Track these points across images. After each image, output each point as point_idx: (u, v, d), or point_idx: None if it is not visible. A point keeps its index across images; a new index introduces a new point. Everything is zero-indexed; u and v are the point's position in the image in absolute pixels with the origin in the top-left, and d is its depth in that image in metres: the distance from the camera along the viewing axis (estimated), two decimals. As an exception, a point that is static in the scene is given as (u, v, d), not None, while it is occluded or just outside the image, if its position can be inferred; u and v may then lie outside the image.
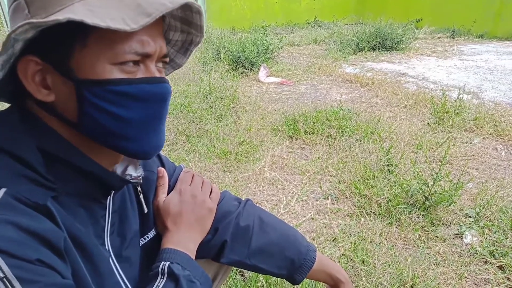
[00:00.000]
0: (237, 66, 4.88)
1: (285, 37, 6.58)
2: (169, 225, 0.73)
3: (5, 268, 0.39)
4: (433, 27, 7.87)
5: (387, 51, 6.04)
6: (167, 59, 0.59)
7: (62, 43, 0.49)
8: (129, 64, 0.51)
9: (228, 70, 4.71)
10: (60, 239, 0.48)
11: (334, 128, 2.83)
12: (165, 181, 0.79)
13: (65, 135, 0.53)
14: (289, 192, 2.20)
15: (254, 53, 5.00)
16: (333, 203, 2.08)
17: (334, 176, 2.33)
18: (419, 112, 3.31)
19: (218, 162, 2.48)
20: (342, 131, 2.82)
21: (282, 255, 0.85)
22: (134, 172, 0.66)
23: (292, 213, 2.00)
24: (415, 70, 4.89)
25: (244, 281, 1.41)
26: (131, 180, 0.64)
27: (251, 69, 4.94)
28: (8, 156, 0.48)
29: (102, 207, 0.61)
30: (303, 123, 2.96)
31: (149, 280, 0.64)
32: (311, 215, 1.98)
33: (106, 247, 0.61)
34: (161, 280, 0.63)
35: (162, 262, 0.65)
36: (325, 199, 2.12)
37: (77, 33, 0.48)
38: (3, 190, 0.44)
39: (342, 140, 2.72)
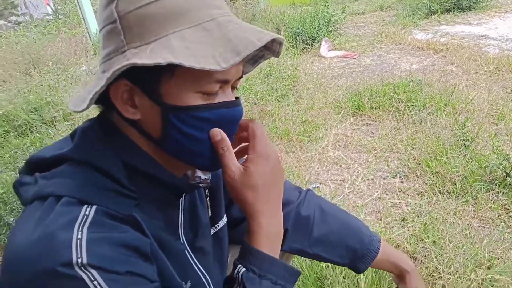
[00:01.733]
0: (298, 42, 4.79)
1: (348, 6, 6.27)
2: (259, 206, 0.60)
3: (102, 282, 0.46)
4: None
5: (464, 11, 5.46)
6: (241, 80, 0.62)
7: (151, 72, 0.52)
8: (210, 91, 0.54)
9: (288, 48, 4.66)
10: (147, 245, 0.54)
11: (403, 102, 2.69)
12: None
13: (143, 147, 0.59)
14: (354, 171, 2.16)
15: (315, 27, 4.86)
16: (402, 182, 2.00)
17: (403, 153, 2.23)
18: (501, 79, 2.99)
19: (280, 143, 2.51)
20: (412, 105, 2.66)
21: (344, 244, 0.86)
22: (203, 175, 0.70)
23: (358, 193, 1.97)
24: (497, 31, 4.38)
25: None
26: (200, 185, 0.68)
27: (312, 44, 4.82)
28: (95, 171, 0.54)
29: (176, 208, 0.66)
30: (368, 98, 2.85)
31: (229, 281, 0.62)
32: (378, 194, 1.94)
33: (181, 241, 0.67)
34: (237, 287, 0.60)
35: (239, 266, 0.60)
36: (393, 177, 2.05)
37: (166, 66, 0.50)
38: (94, 207, 0.51)
39: (411, 114, 2.57)
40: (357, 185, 2.03)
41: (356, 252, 0.86)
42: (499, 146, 1.80)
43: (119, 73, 0.50)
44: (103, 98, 0.56)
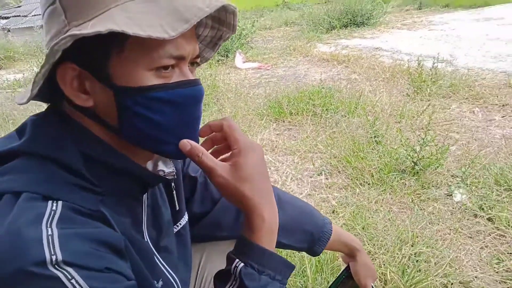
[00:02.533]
0: (213, 54, 4.86)
1: (257, 21, 6.56)
2: (258, 198, 0.57)
3: (80, 280, 0.41)
4: (400, 0, 8.01)
5: (359, 27, 6.13)
6: (199, 59, 0.58)
7: (98, 49, 0.48)
8: (164, 69, 0.51)
9: (204, 59, 4.68)
10: (120, 241, 0.49)
11: (318, 107, 2.89)
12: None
13: (102, 137, 0.54)
14: (283, 173, 2.25)
15: (228, 40, 4.97)
16: (327, 178, 2.14)
17: (324, 153, 2.39)
18: (397, 84, 3.41)
19: (209, 150, 2.50)
20: (326, 109, 2.88)
21: (302, 229, 0.89)
22: (166, 168, 0.66)
23: (289, 192, 2.05)
24: (388, 43, 5.00)
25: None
26: (168, 177, 0.64)
27: (227, 55, 4.94)
28: (55, 165, 0.49)
29: (139, 204, 0.62)
30: (287, 105, 3.00)
31: (223, 276, 0.58)
32: (307, 191, 2.04)
33: (145, 240, 0.63)
34: (234, 283, 0.57)
35: (236, 261, 0.56)
36: (318, 175, 2.18)
37: (113, 40, 0.47)
38: (60, 203, 0.46)
39: (327, 117, 2.78)
40: (288, 185, 2.12)
41: (312, 235, 0.89)
42: (406, 139, 2.05)
43: (61, 54, 0.45)
44: (52, 89, 0.51)
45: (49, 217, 0.44)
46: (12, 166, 0.49)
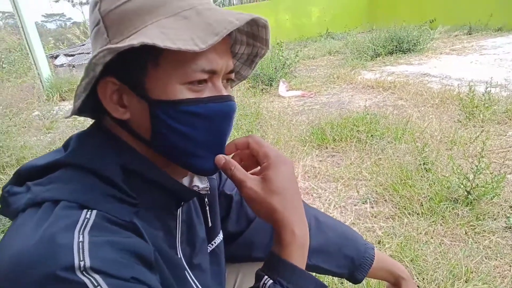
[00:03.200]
0: (257, 83, 4.97)
1: (300, 51, 6.66)
2: (289, 213, 0.56)
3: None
4: (447, 26, 7.80)
5: (405, 54, 6.02)
6: (233, 75, 0.60)
7: (136, 64, 0.52)
8: (197, 83, 0.52)
9: (248, 88, 4.81)
10: (151, 252, 0.50)
11: (363, 133, 2.83)
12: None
13: (139, 150, 0.56)
14: (326, 200, 2.20)
15: (272, 70, 5.09)
16: (372, 207, 2.07)
17: (369, 180, 2.31)
18: (447, 110, 3.27)
19: (251, 177, 2.51)
20: (371, 135, 2.81)
21: (342, 253, 0.85)
22: (200, 183, 0.67)
23: (332, 220, 2.00)
24: (437, 69, 4.84)
25: None
26: (201, 192, 0.66)
27: (270, 84, 5.02)
28: (93, 176, 0.52)
29: (174, 218, 0.63)
30: (330, 131, 2.97)
31: None
32: (351, 220, 1.97)
33: (179, 256, 0.63)
34: None
35: (265, 278, 0.56)
36: (363, 203, 2.11)
37: (149, 54, 0.50)
38: (94, 212, 0.48)
39: (372, 144, 2.71)
40: (331, 212, 2.06)
41: (353, 261, 0.85)
42: (459, 166, 1.94)
43: (103, 70, 0.49)
44: (96, 105, 0.55)
45: (82, 225, 0.46)
46: (55, 176, 0.52)
